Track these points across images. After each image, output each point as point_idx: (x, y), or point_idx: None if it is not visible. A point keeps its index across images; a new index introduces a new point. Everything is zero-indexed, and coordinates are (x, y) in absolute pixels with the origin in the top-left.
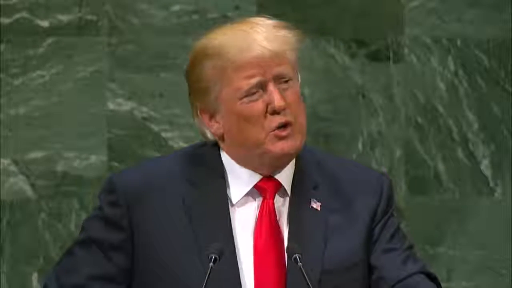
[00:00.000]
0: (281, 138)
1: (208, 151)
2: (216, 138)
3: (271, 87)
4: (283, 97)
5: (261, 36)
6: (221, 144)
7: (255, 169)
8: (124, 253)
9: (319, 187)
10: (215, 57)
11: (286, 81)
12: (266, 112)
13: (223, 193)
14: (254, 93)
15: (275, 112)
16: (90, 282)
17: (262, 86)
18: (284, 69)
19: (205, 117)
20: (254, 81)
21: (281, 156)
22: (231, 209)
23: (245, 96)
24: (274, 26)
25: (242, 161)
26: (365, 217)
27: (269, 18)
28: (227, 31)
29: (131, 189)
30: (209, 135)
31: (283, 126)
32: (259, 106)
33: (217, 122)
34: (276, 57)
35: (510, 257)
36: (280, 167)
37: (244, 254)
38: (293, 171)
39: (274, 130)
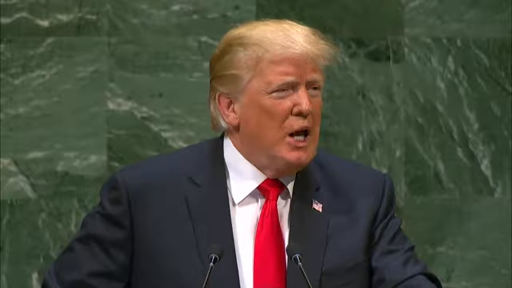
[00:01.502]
0: (297, 148)
1: (211, 150)
2: (230, 127)
3: (302, 89)
4: (311, 103)
5: (302, 38)
6: (231, 137)
7: (261, 168)
8: (124, 251)
9: (321, 188)
10: (253, 46)
11: (315, 88)
12: (291, 112)
13: (225, 193)
14: (284, 90)
15: (299, 115)
16: (90, 278)
17: (293, 87)
18: (317, 77)
19: (223, 105)
20: (288, 79)
21: (293, 165)
22: (232, 209)
23: (275, 91)
24: (313, 33)
25: (251, 157)
26: (366, 218)
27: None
28: (268, 24)
29: (133, 187)
30: (222, 123)
31: (302, 133)
32: (286, 104)
33: (234, 111)
34: (314, 62)
35: (510, 257)
36: (286, 174)
37: (244, 255)
38: (295, 173)
39: (291, 135)
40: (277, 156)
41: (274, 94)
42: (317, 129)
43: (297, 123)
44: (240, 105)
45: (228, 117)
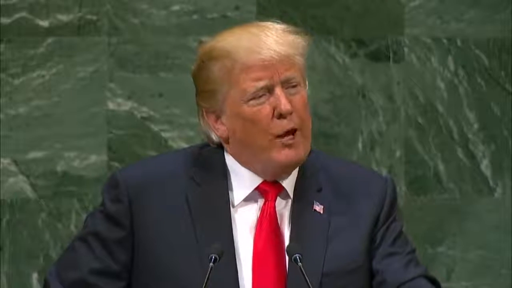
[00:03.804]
0: (286, 146)
1: (213, 151)
2: (222, 140)
3: (278, 91)
4: (290, 102)
5: (271, 39)
6: (226, 146)
7: (258, 173)
8: (125, 250)
9: (323, 189)
10: (223, 58)
11: (294, 86)
12: (273, 116)
13: (225, 194)
14: (261, 96)
15: (281, 116)
16: (90, 276)
17: (269, 90)
18: (292, 74)
19: (211, 119)
20: (261, 84)
21: (285, 165)
22: (232, 211)
23: (252, 99)
24: (284, 30)
25: (246, 164)
26: (368, 221)
27: (278, 23)
28: (235, 32)
29: (134, 185)
30: (214, 137)
31: (290, 133)
32: (265, 109)
33: (222, 124)
34: (285, 61)
35: (510, 257)
36: (283, 175)
37: (243, 256)
38: (296, 174)
39: (279, 137)
40: (269, 160)
41: (252, 102)
42: (306, 125)
43: (281, 125)
44: (226, 117)
45: (218, 131)
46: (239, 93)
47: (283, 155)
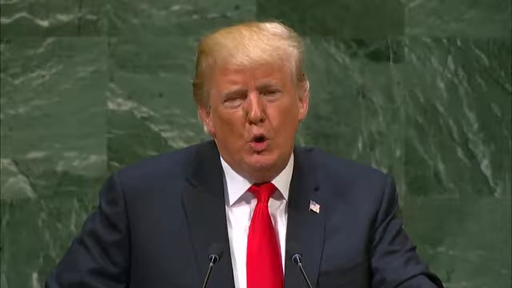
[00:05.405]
0: (255, 151)
1: (209, 151)
2: (211, 135)
3: (252, 96)
4: (263, 109)
5: (254, 44)
6: (216, 142)
7: (242, 174)
8: (122, 252)
9: (321, 188)
10: (208, 54)
11: (273, 92)
12: (245, 120)
13: (220, 195)
14: (235, 99)
15: (252, 122)
16: (89, 276)
17: (243, 95)
18: (271, 80)
19: (203, 113)
20: (234, 88)
21: (256, 168)
22: (227, 211)
23: (226, 101)
24: (275, 35)
25: (230, 164)
26: (366, 219)
27: (278, 23)
28: (228, 30)
29: (130, 188)
30: (206, 131)
31: (259, 139)
32: (239, 113)
33: (211, 120)
34: (263, 67)
35: (510, 257)
36: (262, 178)
37: (239, 256)
38: (291, 174)
39: (250, 141)
40: (241, 161)
41: (227, 104)
42: (281, 135)
43: (251, 131)
44: (211, 113)
45: (208, 126)
46: (217, 93)
47: (253, 159)
